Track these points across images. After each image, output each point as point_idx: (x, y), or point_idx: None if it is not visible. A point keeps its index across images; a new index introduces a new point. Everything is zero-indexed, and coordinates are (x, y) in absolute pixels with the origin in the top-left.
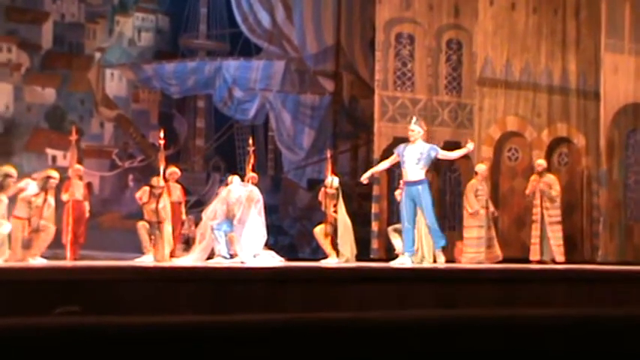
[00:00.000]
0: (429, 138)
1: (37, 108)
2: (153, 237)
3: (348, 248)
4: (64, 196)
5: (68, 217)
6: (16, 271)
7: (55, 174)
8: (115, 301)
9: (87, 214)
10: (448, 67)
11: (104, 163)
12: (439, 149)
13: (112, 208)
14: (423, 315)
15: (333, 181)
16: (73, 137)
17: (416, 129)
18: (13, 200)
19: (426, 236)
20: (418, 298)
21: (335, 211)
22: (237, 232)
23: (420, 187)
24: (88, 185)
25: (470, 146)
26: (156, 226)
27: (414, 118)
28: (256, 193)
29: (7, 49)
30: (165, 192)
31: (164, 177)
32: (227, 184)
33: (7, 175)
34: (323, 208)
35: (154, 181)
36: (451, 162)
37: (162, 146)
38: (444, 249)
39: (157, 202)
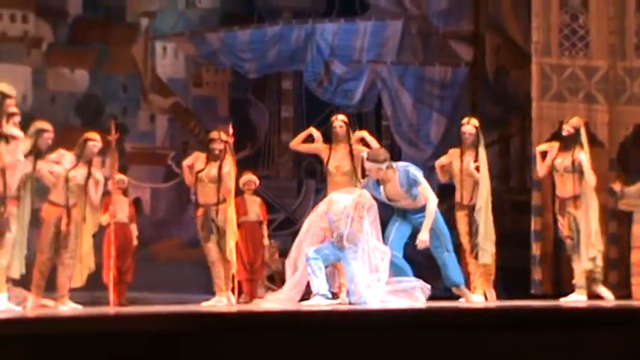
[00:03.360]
0: (612, 120)
1: (63, 97)
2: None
3: None
4: (104, 218)
5: (109, 246)
6: (39, 323)
7: (95, 136)
8: None
9: (134, 242)
10: None
11: (157, 171)
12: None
13: (170, 233)
14: None
15: None
16: (113, 137)
17: None
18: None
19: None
20: (598, 350)
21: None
22: (343, 257)
23: None
24: (135, 202)
25: None
26: (213, 209)
27: None
28: (367, 198)
29: (23, 17)
30: (230, 153)
31: (236, 187)
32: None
33: (41, 131)
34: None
35: (214, 134)
36: None
37: (231, 145)
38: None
39: (220, 167)
